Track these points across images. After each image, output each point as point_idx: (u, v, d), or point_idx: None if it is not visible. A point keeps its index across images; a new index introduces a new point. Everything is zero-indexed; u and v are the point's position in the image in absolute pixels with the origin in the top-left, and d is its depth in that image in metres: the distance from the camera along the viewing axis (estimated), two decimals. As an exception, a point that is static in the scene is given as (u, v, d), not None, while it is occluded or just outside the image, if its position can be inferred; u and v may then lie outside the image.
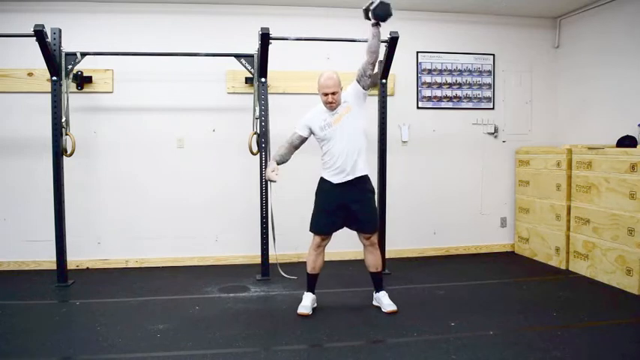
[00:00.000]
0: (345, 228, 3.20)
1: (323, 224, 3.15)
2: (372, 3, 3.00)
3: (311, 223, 3.19)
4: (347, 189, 3.09)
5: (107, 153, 4.32)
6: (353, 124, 3.08)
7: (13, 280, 3.94)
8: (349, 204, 3.09)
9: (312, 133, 3.14)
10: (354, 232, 3.23)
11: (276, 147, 4.03)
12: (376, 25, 3.02)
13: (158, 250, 4.40)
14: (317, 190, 3.21)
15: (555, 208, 4.32)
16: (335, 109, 3.07)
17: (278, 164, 3.16)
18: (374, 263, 3.24)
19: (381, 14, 2.99)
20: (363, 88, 3.08)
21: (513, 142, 4.94)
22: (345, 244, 3.94)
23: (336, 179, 3.09)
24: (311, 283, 3.24)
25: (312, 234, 3.19)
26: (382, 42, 3.87)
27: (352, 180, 3.08)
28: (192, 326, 2.96)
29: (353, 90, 3.11)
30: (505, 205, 4.99)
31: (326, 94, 3.00)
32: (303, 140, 3.19)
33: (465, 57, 4.81)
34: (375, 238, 3.21)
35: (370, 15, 3.02)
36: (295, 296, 3.37)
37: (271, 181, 3.15)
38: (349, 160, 3.06)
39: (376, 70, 4.24)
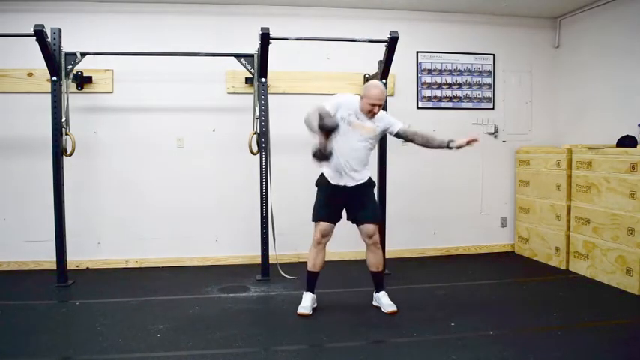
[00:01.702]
0: (344, 229, 3.20)
1: (324, 213, 3.16)
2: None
3: (312, 215, 3.20)
4: (345, 190, 3.12)
5: (107, 153, 4.32)
6: (366, 144, 3.13)
7: (13, 280, 3.94)
8: (349, 200, 3.15)
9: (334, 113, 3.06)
10: (355, 232, 3.23)
11: (276, 151, 4.07)
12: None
13: (158, 250, 4.40)
14: (317, 182, 3.24)
15: (555, 208, 4.32)
16: (370, 118, 3.09)
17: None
18: (375, 263, 3.23)
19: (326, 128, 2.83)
20: (395, 136, 3.25)
21: (513, 142, 4.94)
22: (346, 244, 3.95)
23: (333, 180, 3.12)
24: (311, 281, 3.24)
25: (312, 233, 3.19)
26: (382, 42, 3.89)
27: (350, 186, 3.13)
28: (192, 326, 2.96)
29: (387, 125, 3.19)
30: (505, 205, 4.99)
31: (373, 105, 3.03)
32: None
33: (465, 57, 4.81)
34: (377, 237, 3.20)
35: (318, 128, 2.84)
36: (295, 296, 3.37)
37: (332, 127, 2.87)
38: (348, 165, 3.08)
39: (376, 70, 4.26)
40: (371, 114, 3.06)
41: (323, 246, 3.19)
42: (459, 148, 3.15)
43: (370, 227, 3.16)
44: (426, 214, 4.79)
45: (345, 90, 4.51)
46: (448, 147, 3.15)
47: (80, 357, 2.57)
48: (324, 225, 3.14)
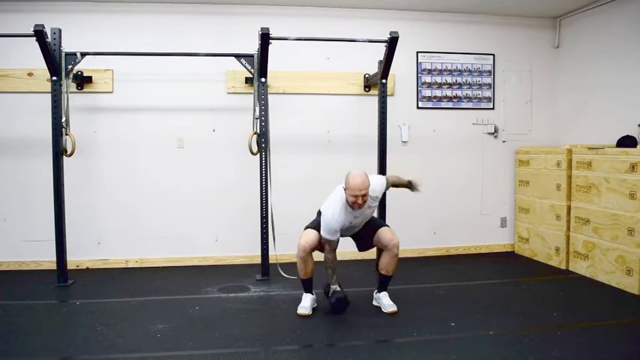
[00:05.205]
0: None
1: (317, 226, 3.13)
2: (332, 296, 3.10)
3: (307, 226, 3.18)
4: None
5: (107, 153, 4.31)
6: (369, 213, 3.14)
7: (13, 280, 3.94)
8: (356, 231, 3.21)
9: None
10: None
11: (276, 151, 4.07)
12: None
13: (158, 250, 4.40)
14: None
15: (555, 208, 4.32)
16: (357, 208, 2.96)
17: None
18: (387, 267, 3.19)
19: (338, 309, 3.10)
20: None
21: (513, 142, 4.94)
22: (346, 244, 3.94)
23: None
24: (307, 285, 3.22)
25: (299, 241, 3.08)
26: (382, 42, 3.89)
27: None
28: (192, 326, 2.96)
29: (382, 187, 3.13)
30: (505, 205, 4.99)
31: (356, 196, 2.87)
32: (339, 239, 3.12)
33: (465, 57, 4.81)
34: (397, 241, 3.15)
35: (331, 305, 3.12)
36: (295, 296, 3.37)
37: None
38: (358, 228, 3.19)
39: (376, 69, 4.26)
40: (356, 205, 2.90)
41: (309, 254, 3.09)
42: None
43: (387, 232, 3.16)
44: (426, 214, 4.79)
45: (344, 89, 4.54)
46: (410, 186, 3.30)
47: (80, 357, 2.57)
48: (312, 235, 3.08)
